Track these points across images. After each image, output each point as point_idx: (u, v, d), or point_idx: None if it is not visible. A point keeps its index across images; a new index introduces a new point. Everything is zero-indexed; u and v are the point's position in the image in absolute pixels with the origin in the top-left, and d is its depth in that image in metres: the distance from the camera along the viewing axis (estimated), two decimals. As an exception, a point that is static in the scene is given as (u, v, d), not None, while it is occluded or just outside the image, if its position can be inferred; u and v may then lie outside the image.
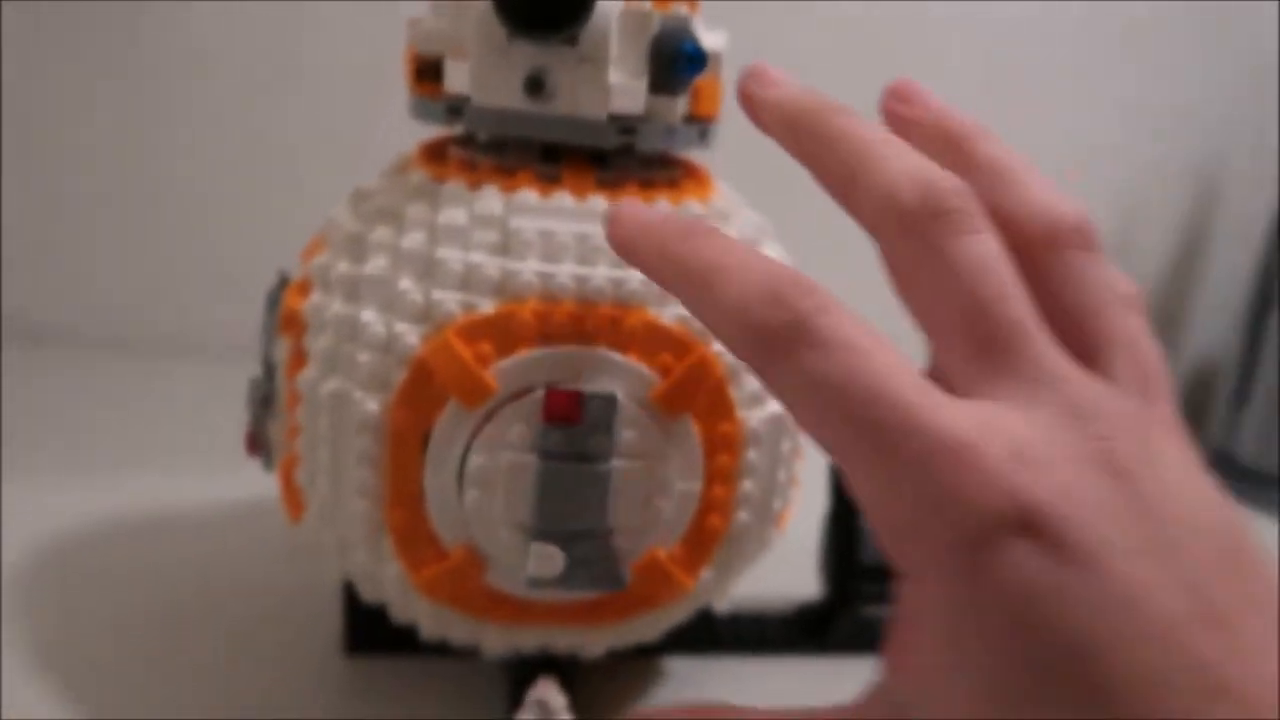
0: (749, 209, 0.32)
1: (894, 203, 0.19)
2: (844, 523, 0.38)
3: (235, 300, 0.56)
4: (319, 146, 0.60)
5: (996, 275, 0.18)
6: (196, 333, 0.62)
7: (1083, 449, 0.17)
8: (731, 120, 0.32)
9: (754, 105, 0.23)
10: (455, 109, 0.28)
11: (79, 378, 0.58)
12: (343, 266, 0.28)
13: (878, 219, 0.19)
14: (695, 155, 0.32)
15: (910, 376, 0.17)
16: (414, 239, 0.27)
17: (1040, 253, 0.20)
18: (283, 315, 0.29)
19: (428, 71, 0.28)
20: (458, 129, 0.30)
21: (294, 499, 0.30)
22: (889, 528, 0.18)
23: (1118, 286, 0.20)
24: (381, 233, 0.28)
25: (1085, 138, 0.66)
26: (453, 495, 0.26)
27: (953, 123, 0.22)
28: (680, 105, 0.28)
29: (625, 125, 0.27)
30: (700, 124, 0.29)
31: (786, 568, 0.40)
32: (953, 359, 0.19)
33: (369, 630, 0.34)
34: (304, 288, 0.29)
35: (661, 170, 0.30)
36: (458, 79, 0.27)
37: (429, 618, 0.29)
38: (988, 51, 0.65)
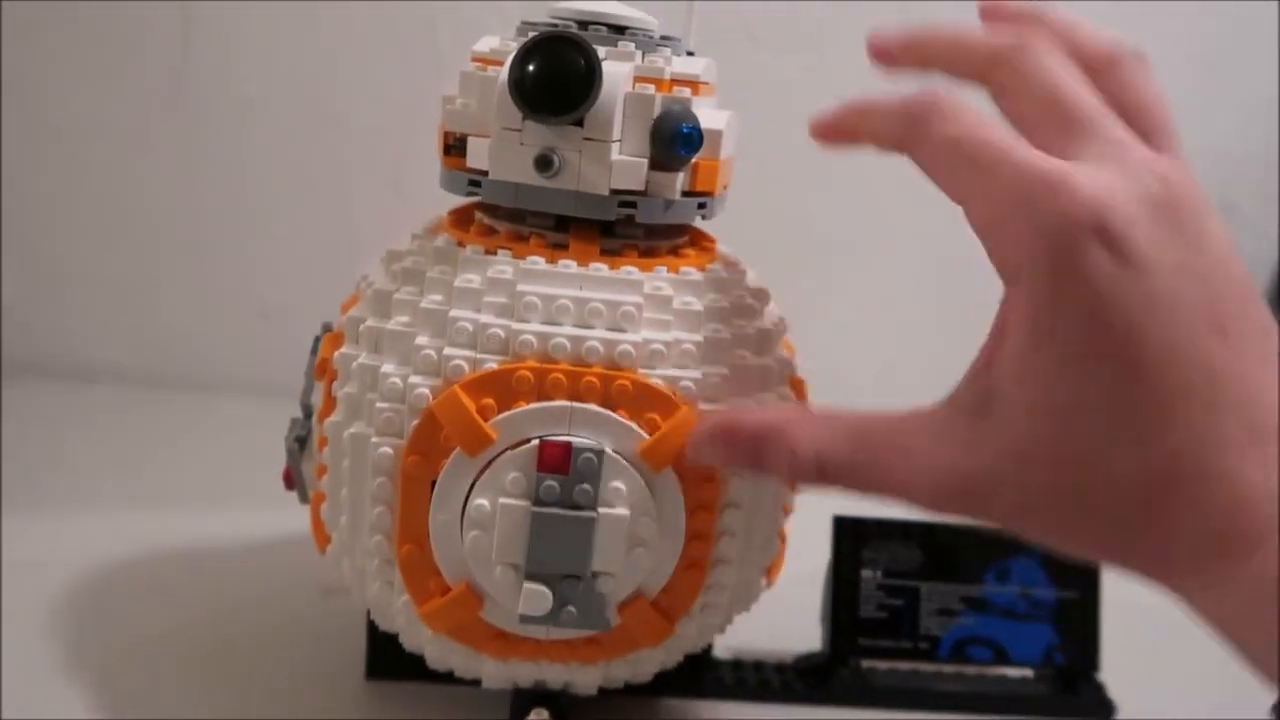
0: (750, 274, 0.34)
1: (994, 48, 0.25)
2: (845, 576, 0.39)
3: (273, 339, 0.59)
4: (361, 191, 0.64)
5: (1071, 76, 0.24)
6: (236, 370, 0.66)
7: (1146, 190, 0.22)
8: (740, 190, 0.35)
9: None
10: (475, 182, 0.31)
11: (124, 414, 0.62)
12: (370, 321, 0.31)
13: (986, 63, 0.25)
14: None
15: (1013, 138, 0.23)
16: (433, 299, 0.30)
17: (1105, 67, 0.25)
18: (318, 362, 0.32)
19: (455, 147, 0.31)
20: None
21: (320, 532, 0.33)
22: (998, 241, 0.23)
23: (1161, 91, 0.25)
24: (406, 292, 0.30)
25: None
26: (455, 535, 0.29)
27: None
28: (679, 181, 0.30)
29: (626, 199, 0.30)
30: (698, 198, 0.31)
31: (788, 619, 0.41)
32: (1045, 143, 0.23)
33: (389, 657, 0.37)
34: (337, 339, 0.32)
35: (666, 238, 0.33)
36: (479, 155, 0.30)
37: (433, 647, 0.32)
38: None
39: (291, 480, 0.35)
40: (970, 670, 0.40)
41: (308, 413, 0.34)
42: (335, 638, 0.39)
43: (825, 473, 0.25)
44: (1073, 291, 0.21)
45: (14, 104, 0.63)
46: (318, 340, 0.35)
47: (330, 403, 0.31)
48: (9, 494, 0.48)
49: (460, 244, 0.31)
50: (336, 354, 0.31)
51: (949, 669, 0.40)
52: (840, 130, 0.27)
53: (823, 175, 0.63)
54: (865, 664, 0.40)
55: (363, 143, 0.64)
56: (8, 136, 0.63)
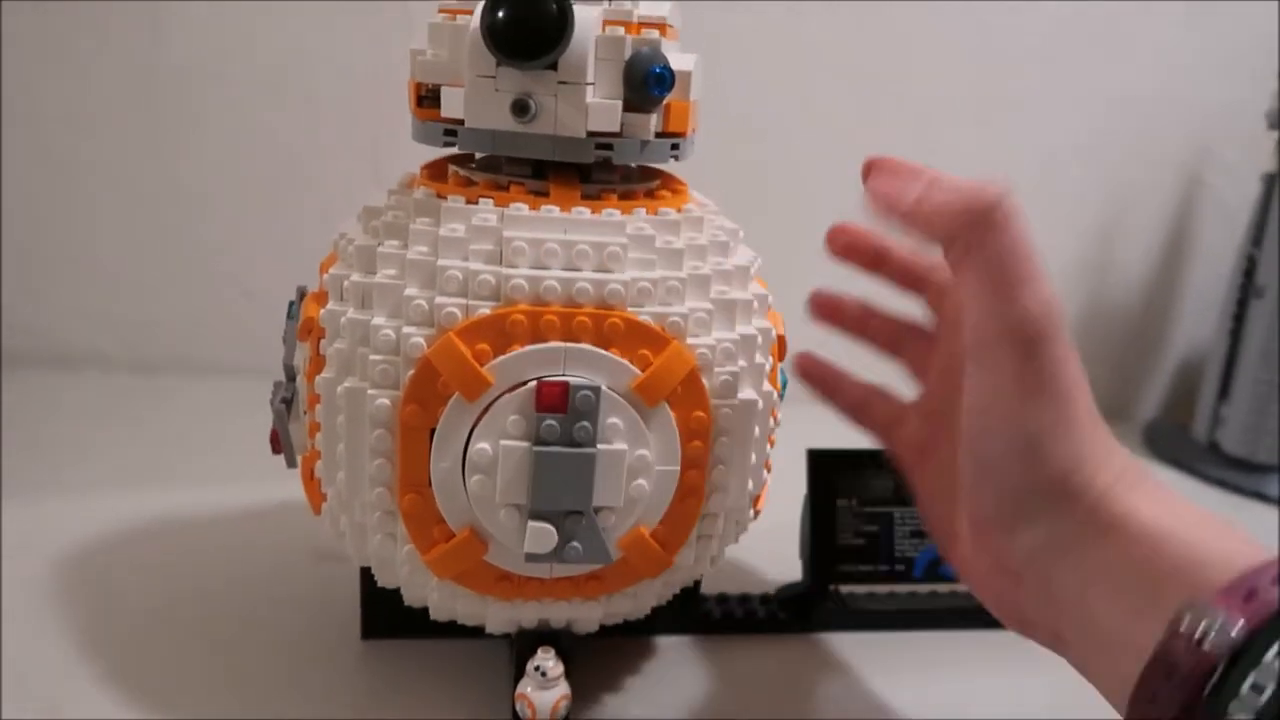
0: (721, 216, 0.35)
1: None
2: (822, 507, 0.41)
3: (253, 318, 0.59)
4: (338, 167, 0.63)
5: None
6: (219, 352, 0.65)
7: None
8: (706, 135, 0.36)
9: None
10: (451, 132, 0.31)
11: (108, 400, 0.61)
12: (355, 277, 0.31)
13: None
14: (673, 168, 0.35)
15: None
16: (419, 250, 0.30)
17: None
18: (302, 323, 0.32)
19: (428, 98, 0.31)
20: (455, 150, 0.33)
21: (315, 492, 0.33)
22: (979, 318, 0.28)
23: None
24: (390, 245, 0.31)
25: (1074, 129, 0.69)
26: (457, 481, 0.29)
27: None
28: (653, 122, 0.31)
29: (602, 141, 0.30)
30: (671, 139, 0.32)
31: (769, 555, 0.43)
32: None
33: (384, 616, 0.37)
34: (320, 297, 0.32)
35: (640, 182, 0.33)
36: (453, 105, 0.30)
37: (438, 596, 0.32)
38: (976, 46, 0.68)
39: (278, 444, 0.35)
40: (944, 588, 0.42)
41: (291, 375, 0.34)
42: (330, 602, 0.40)
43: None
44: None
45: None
46: (293, 305, 0.35)
47: (319, 361, 0.31)
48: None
49: (441, 195, 0.31)
50: (323, 311, 0.31)
51: (924, 589, 0.42)
52: (892, 201, 0.29)
53: (791, 123, 0.65)
54: (845, 590, 0.42)
55: (339, 118, 0.63)
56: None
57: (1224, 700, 0.23)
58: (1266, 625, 0.23)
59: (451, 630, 0.35)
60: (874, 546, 0.41)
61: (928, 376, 0.35)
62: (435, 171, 0.34)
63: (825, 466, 0.41)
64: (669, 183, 0.35)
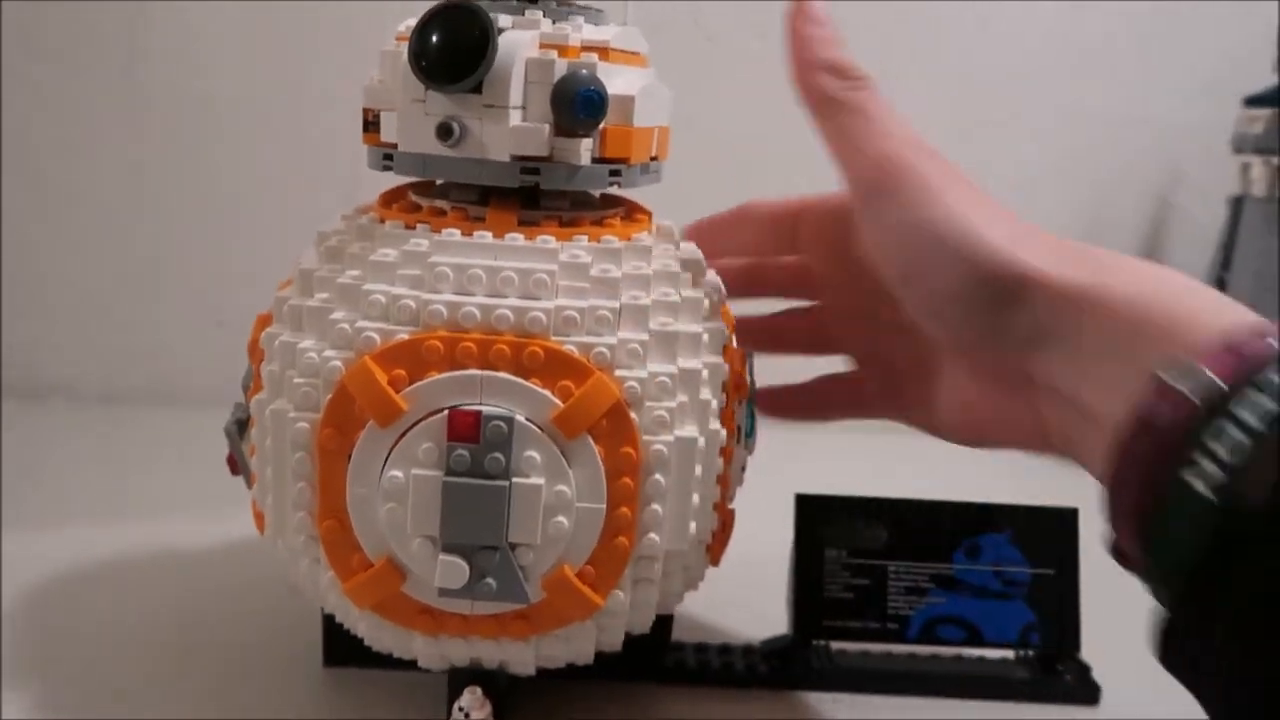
0: (681, 244, 0.33)
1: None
2: (808, 556, 0.38)
3: (224, 348, 0.59)
4: (317, 197, 0.64)
5: None
6: (194, 381, 0.66)
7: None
8: (679, 162, 0.34)
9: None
10: (389, 155, 0.31)
11: (81, 431, 0.62)
12: (294, 300, 0.31)
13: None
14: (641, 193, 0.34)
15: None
16: (351, 275, 0.30)
17: None
18: (249, 343, 0.32)
19: (372, 123, 0.31)
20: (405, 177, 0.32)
21: (258, 513, 0.33)
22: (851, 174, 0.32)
23: None
24: (328, 269, 0.30)
25: (1048, 148, 0.70)
26: (373, 508, 0.29)
27: None
28: (584, 147, 0.30)
29: (528, 166, 0.29)
30: (610, 164, 0.31)
31: (755, 603, 0.40)
32: None
33: (346, 644, 0.37)
34: (267, 320, 0.32)
35: (590, 210, 0.32)
36: (390, 129, 0.30)
37: (364, 625, 0.31)
38: (955, 65, 0.68)
39: (235, 465, 0.35)
40: (945, 652, 0.39)
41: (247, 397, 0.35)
42: (295, 628, 0.39)
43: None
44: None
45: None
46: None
47: (259, 382, 0.31)
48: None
49: (381, 220, 0.31)
50: (264, 333, 0.31)
51: (922, 650, 0.39)
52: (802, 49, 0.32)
53: (768, 153, 0.63)
54: (834, 646, 0.39)
55: (319, 148, 0.64)
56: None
57: (1203, 448, 0.23)
58: (1248, 375, 0.23)
59: (412, 661, 0.34)
60: (864, 601, 0.38)
61: (836, 314, 0.39)
62: (391, 197, 0.34)
63: (813, 512, 0.39)
64: (633, 211, 0.34)
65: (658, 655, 0.38)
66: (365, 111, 0.32)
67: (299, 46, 0.63)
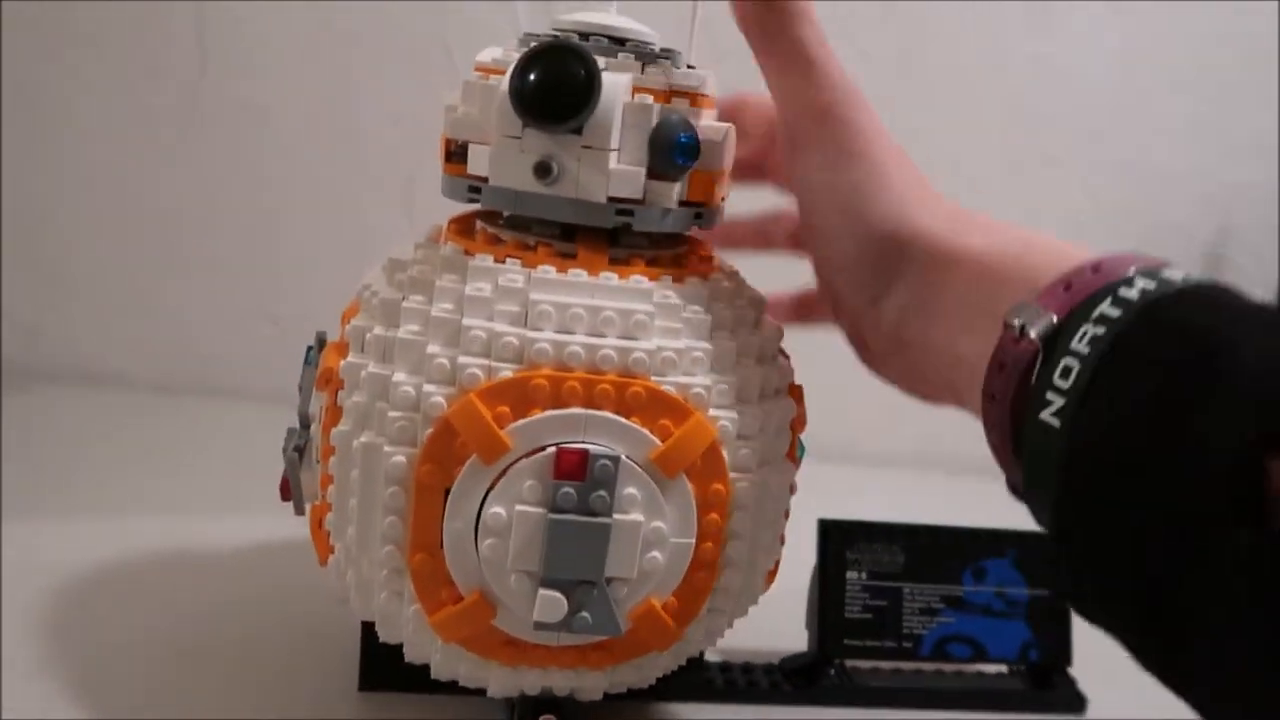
0: (748, 286, 0.35)
1: None
2: (831, 578, 0.40)
3: (277, 345, 0.59)
4: (372, 201, 0.64)
5: None
6: (243, 377, 0.66)
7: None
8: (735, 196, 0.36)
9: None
10: (476, 188, 0.31)
11: (129, 420, 0.62)
12: (378, 330, 0.30)
13: None
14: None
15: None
16: (443, 308, 0.30)
17: None
18: (321, 372, 0.32)
19: (456, 154, 0.31)
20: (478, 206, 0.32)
21: (322, 543, 0.33)
22: (783, 103, 0.33)
23: None
24: (414, 301, 0.30)
25: (1096, 199, 0.71)
26: (469, 543, 0.29)
27: None
28: (676, 190, 0.31)
29: (623, 207, 0.30)
30: (695, 207, 0.32)
31: (775, 622, 0.42)
32: None
33: (383, 669, 0.37)
34: (341, 348, 0.32)
35: (668, 249, 0.33)
36: (480, 162, 0.30)
37: (441, 657, 0.31)
38: (1011, 105, 0.69)
39: (288, 491, 0.34)
40: (950, 667, 0.42)
41: (305, 423, 0.34)
42: (330, 649, 0.39)
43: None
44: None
45: (18, 107, 0.62)
46: (310, 351, 0.35)
47: (336, 413, 0.31)
48: (10, 498, 0.48)
49: (468, 252, 0.31)
50: (343, 363, 0.31)
51: (930, 667, 0.41)
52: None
53: None
54: (850, 664, 0.41)
55: (376, 154, 0.64)
56: (12, 140, 0.62)
57: (1045, 381, 0.25)
58: (1079, 308, 0.25)
59: (449, 687, 0.34)
60: (881, 621, 0.40)
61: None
62: (463, 226, 0.34)
63: (837, 537, 0.41)
64: (696, 248, 0.35)
65: (691, 674, 0.39)
66: (448, 141, 0.31)
67: (358, 56, 0.64)
